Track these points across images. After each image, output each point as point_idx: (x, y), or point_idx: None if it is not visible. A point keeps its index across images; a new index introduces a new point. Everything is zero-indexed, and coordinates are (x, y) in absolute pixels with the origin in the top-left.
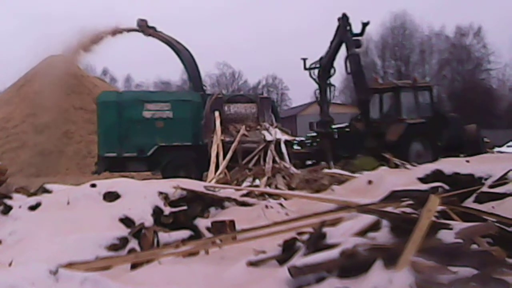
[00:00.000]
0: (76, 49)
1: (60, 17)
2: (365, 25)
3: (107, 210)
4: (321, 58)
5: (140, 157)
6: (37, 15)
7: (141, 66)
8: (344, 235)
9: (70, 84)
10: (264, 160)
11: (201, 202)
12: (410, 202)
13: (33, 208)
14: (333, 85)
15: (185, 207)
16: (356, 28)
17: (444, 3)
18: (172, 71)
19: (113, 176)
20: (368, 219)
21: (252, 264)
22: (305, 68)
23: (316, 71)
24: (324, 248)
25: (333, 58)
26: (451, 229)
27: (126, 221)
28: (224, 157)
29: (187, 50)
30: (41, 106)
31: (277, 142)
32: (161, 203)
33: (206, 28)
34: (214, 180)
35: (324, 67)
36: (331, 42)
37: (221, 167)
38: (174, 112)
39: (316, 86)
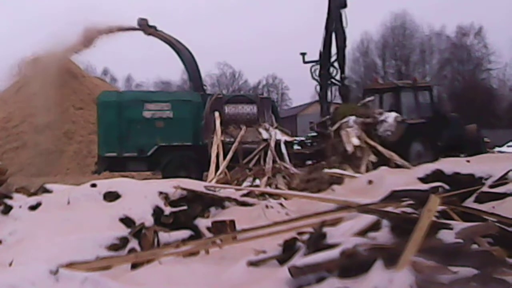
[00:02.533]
0: (75, 45)
1: (60, 15)
2: None
3: (107, 210)
4: (320, 56)
5: (140, 157)
6: (36, 12)
7: (142, 66)
8: (344, 235)
9: (71, 84)
10: (264, 160)
11: (201, 202)
12: (411, 202)
13: (33, 208)
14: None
15: (185, 207)
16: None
17: (444, 3)
18: (173, 71)
19: (113, 176)
20: (368, 219)
21: (252, 264)
22: (304, 62)
23: (317, 71)
24: (324, 248)
25: (329, 46)
26: (451, 229)
27: (126, 221)
28: (224, 158)
29: (187, 49)
30: (41, 106)
31: (277, 142)
32: (161, 203)
33: (206, 27)
34: (214, 180)
35: (324, 62)
36: (325, 28)
37: (221, 167)
38: (174, 112)
39: (316, 83)
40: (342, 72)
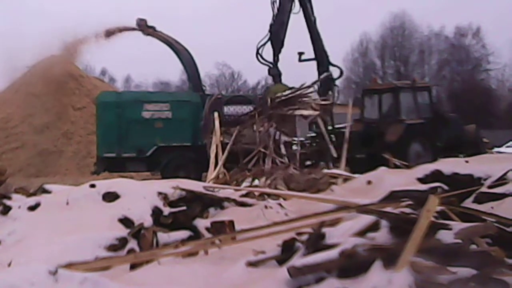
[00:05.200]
0: (74, 48)
1: (60, 14)
2: None
3: (106, 210)
4: (315, 54)
5: (139, 157)
6: (36, 11)
7: (141, 66)
8: (344, 235)
9: (70, 85)
10: (264, 161)
11: (201, 203)
12: (410, 202)
13: (32, 208)
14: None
15: (184, 208)
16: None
17: (443, 3)
18: (172, 71)
19: (112, 176)
20: (367, 219)
21: (251, 264)
22: (300, 60)
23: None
24: (324, 248)
25: (321, 44)
26: (450, 229)
27: (126, 221)
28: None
29: (186, 50)
30: (40, 107)
31: (276, 142)
32: (160, 204)
33: (206, 28)
34: (213, 181)
35: (320, 59)
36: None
37: (217, 168)
38: (173, 112)
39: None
40: (275, 54)
